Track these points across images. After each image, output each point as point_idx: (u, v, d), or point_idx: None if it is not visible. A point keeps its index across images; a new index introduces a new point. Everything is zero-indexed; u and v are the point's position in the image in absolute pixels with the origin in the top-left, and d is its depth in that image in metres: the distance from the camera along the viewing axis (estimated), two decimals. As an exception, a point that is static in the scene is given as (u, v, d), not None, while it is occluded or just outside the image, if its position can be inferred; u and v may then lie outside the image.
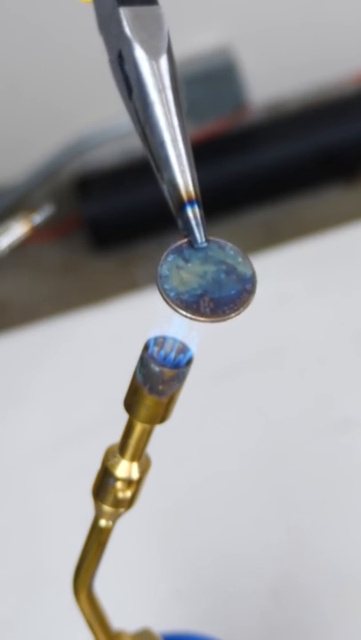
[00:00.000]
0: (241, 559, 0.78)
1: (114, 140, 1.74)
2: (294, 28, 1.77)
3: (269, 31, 1.77)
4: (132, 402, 0.44)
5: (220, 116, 1.76)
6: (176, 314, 0.40)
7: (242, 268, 0.42)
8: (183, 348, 0.42)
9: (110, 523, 0.49)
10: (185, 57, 1.72)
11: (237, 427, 0.85)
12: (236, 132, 1.80)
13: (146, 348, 0.42)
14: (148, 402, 0.43)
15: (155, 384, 0.42)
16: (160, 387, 0.42)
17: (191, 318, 0.40)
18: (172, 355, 0.41)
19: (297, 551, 0.77)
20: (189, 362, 0.42)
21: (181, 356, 0.41)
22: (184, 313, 0.40)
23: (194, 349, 0.42)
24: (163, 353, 0.41)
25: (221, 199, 1.75)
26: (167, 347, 0.41)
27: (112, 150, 1.79)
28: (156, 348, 0.41)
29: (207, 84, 1.74)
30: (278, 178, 1.79)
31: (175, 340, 0.41)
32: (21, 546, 0.82)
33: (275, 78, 1.81)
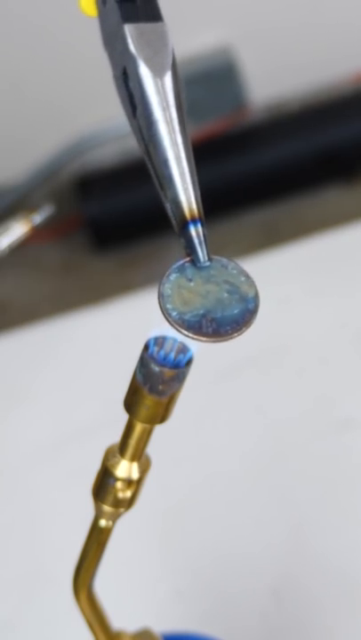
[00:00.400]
0: (241, 559, 0.78)
1: (114, 140, 1.74)
2: (294, 28, 1.78)
3: (269, 31, 1.77)
4: (132, 402, 0.44)
5: (220, 115, 1.76)
6: (178, 333, 0.40)
7: (244, 288, 0.42)
8: (183, 348, 0.42)
9: (110, 523, 0.49)
10: (185, 57, 1.72)
11: (237, 426, 0.85)
12: (236, 131, 1.80)
13: (146, 348, 0.42)
14: (148, 402, 0.43)
15: (155, 384, 0.42)
16: (160, 387, 0.42)
17: (193, 338, 0.40)
18: (172, 355, 0.41)
19: (297, 551, 0.77)
20: (189, 362, 0.42)
21: (181, 356, 0.42)
22: (186, 333, 0.40)
23: (194, 349, 0.42)
24: (163, 353, 0.41)
25: (221, 199, 1.75)
26: (167, 347, 0.42)
27: (112, 150, 1.79)
28: (156, 348, 0.41)
29: (207, 84, 1.74)
30: (278, 178, 1.79)
31: (175, 340, 0.42)
32: (22, 546, 0.82)
33: (275, 78, 1.81)
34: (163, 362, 0.41)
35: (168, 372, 0.41)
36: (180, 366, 0.41)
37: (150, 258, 1.70)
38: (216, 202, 1.71)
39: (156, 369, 0.41)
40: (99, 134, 1.73)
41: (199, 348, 0.42)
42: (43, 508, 0.83)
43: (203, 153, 1.71)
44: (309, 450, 0.83)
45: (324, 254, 0.97)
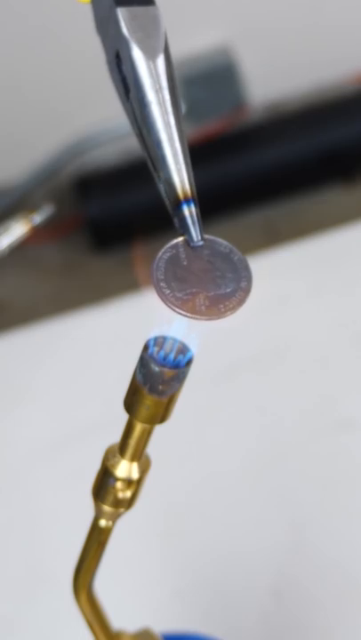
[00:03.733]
0: (241, 559, 0.78)
1: (114, 140, 1.74)
2: (294, 28, 1.77)
3: (269, 31, 1.77)
4: (132, 402, 0.44)
5: (220, 116, 1.76)
6: (171, 311, 0.40)
7: (238, 266, 0.42)
8: (183, 349, 0.42)
9: (110, 523, 0.49)
10: (185, 57, 1.72)
11: (237, 426, 0.85)
12: (236, 132, 1.80)
13: (146, 348, 0.42)
14: (148, 402, 0.43)
15: (155, 384, 0.42)
16: (160, 387, 0.42)
17: (186, 316, 0.40)
18: (172, 355, 0.41)
19: (297, 551, 0.77)
20: (189, 362, 0.42)
21: (181, 356, 0.42)
22: (179, 310, 0.40)
23: (194, 350, 0.42)
24: (163, 353, 0.41)
25: (221, 199, 1.75)
26: (167, 347, 0.42)
27: (112, 150, 1.79)
28: (155, 349, 0.41)
29: (207, 84, 1.74)
30: (278, 178, 1.79)
31: (175, 341, 0.42)
32: (22, 546, 0.82)
33: (274, 78, 1.81)
34: (163, 362, 0.41)
35: (168, 372, 0.41)
36: (180, 366, 0.42)
37: (150, 258, 1.69)
38: (216, 202, 1.71)
39: (156, 369, 0.41)
40: (99, 134, 1.73)
41: (199, 348, 0.42)
42: (43, 508, 0.83)
43: (203, 153, 1.71)
44: (309, 450, 0.83)
45: (324, 254, 0.97)
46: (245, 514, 0.80)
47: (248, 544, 0.78)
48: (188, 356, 0.42)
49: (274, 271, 0.94)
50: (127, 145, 1.77)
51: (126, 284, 0.99)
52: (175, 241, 0.43)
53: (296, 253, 0.98)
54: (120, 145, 1.78)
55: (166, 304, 0.40)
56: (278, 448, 0.83)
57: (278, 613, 0.74)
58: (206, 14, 1.73)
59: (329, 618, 0.74)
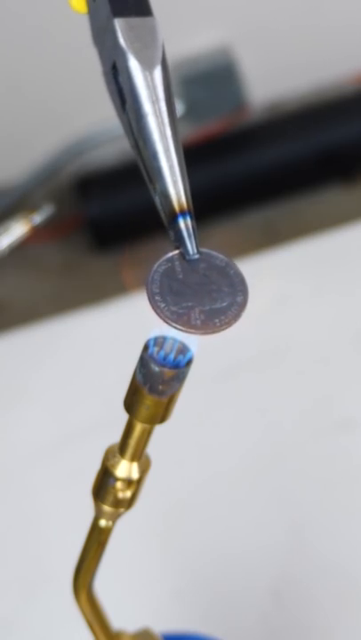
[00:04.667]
0: (241, 559, 0.78)
1: (114, 141, 1.74)
2: (294, 28, 1.77)
3: (269, 31, 1.77)
4: (132, 402, 0.44)
5: (219, 115, 1.76)
6: (166, 325, 0.40)
7: (233, 280, 0.42)
8: (183, 349, 0.42)
9: (110, 523, 0.49)
10: (185, 57, 1.72)
11: (237, 427, 0.85)
12: (236, 132, 1.80)
13: (146, 348, 0.42)
14: (148, 402, 0.43)
15: (155, 384, 0.42)
16: (160, 387, 0.42)
17: (181, 330, 0.40)
18: (172, 355, 0.41)
19: (297, 551, 0.77)
20: (189, 362, 0.42)
21: (181, 356, 0.41)
22: (174, 325, 0.40)
23: (194, 350, 0.42)
24: (163, 353, 0.41)
25: (221, 199, 1.75)
26: (167, 347, 0.41)
27: (112, 150, 1.79)
28: (155, 349, 0.41)
29: (207, 84, 1.74)
30: (278, 178, 1.79)
31: (175, 341, 0.42)
32: (21, 546, 0.82)
33: (274, 78, 1.81)
34: (163, 362, 0.41)
35: (168, 372, 0.41)
36: (179, 366, 0.41)
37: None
38: (216, 202, 1.71)
39: (156, 369, 0.41)
40: (98, 134, 1.73)
41: (199, 348, 0.42)
42: (43, 508, 0.83)
43: (202, 153, 1.71)
44: (309, 450, 0.83)
45: (323, 254, 0.97)
46: (245, 514, 0.80)
47: (248, 544, 0.78)
48: (188, 356, 0.42)
49: (273, 271, 0.94)
50: (127, 145, 1.76)
51: (125, 284, 0.99)
52: (171, 254, 0.43)
53: (296, 253, 0.98)
54: (120, 145, 1.78)
55: (161, 318, 0.40)
56: (278, 448, 0.83)
57: (278, 613, 0.74)
58: (206, 14, 1.73)
59: (329, 618, 0.74)
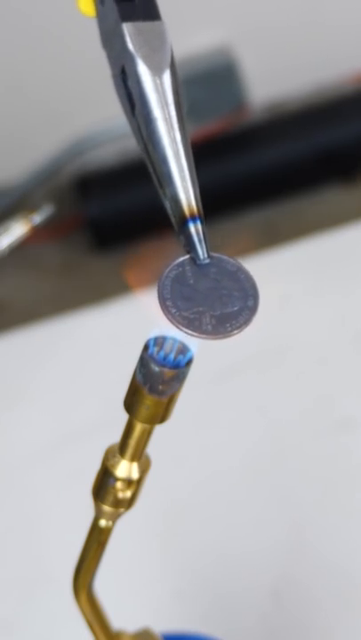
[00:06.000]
0: (241, 559, 0.78)
1: (114, 140, 1.74)
2: (294, 28, 1.77)
3: (269, 31, 1.77)
4: (132, 402, 0.44)
5: (220, 115, 1.76)
6: (178, 330, 0.40)
7: (244, 285, 0.42)
8: (183, 349, 0.42)
9: (110, 523, 0.49)
10: (185, 57, 1.72)
11: (237, 427, 0.85)
12: (236, 132, 1.80)
13: (146, 348, 0.42)
14: (148, 402, 0.43)
15: (155, 384, 0.42)
16: (160, 387, 0.42)
17: (193, 335, 0.40)
18: (172, 355, 0.41)
19: (297, 551, 0.77)
20: (189, 362, 0.42)
21: (181, 356, 0.41)
22: (185, 330, 0.40)
23: (194, 350, 0.42)
24: (163, 353, 0.41)
25: (221, 199, 1.75)
26: (167, 347, 0.41)
27: (112, 150, 1.78)
28: (155, 349, 0.41)
29: (207, 84, 1.74)
30: (278, 178, 1.79)
31: (175, 341, 0.41)
32: (21, 546, 0.82)
33: (275, 78, 1.81)
34: (163, 362, 0.41)
35: (168, 372, 0.41)
36: (180, 366, 0.41)
37: (151, 258, 1.69)
38: (216, 202, 1.71)
39: (156, 369, 0.41)
40: (98, 134, 1.73)
41: (199, 348, 0.42)
42: (43, 509, 0.83)
43: (202, 153, 1.71)
44: (309, 450, 0.83)
45: (324, 254, 0.97)
46: (245, 513, 0.80)
47: (248, 544, 0.78)
48: (188, 356, 0.42)
49: (274, 271, 0.94)
50: (127, 145, 1.77)
51: (126, 284, 0.99)
52: (181, 259, 0.43)
53: (296, 253, 0.98)
54: (120, 145, 1.78)
55: (173, 323, 0.40)
56: (278, 448, 0.83)
57: (278, 613, 0.74)
58: (206, 14, 1.73)
59: (329, 618, 0.74)
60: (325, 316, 0.92)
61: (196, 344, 0.42)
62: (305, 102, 1.84)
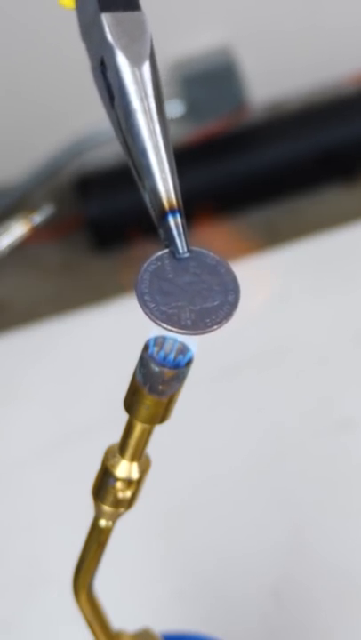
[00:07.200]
0: (241, 560, 0.78)
1: (114, 140, 1.73)
2: (294, 28, 1.77)
3: (269, 31, 1.77)
4: (132, 402, 0.44)
5: (220, 115, 1.76)
6: (156, 325, 0.40)
7: (224, 279, 0.42)
8: (183, 349, 0.41)
9: (110, 523, 0.49)
10: (185, 57, 1.72)
11: (237, 427, 0.85)
12: (236, 132, 1.80)
13: (146, 348, 0.41)
14: (148, 402, 0.43)
15: (155, 384, 0.42)
16: (160, 387, 0.42)
17: (172, 330, 0.40)
18: (172, 355, 0.41)
19: (297, 552, 0.77)
20: (189, 362, 0.42)
21: (181, 356, 0.41)
22: (164, 325, 0.40)
23: (194, 349, 0.42)
24: (163, 353, 0.41)
25: (221, 199, 1.75)
26: (167, 347, 0.41)
27: (112, 150, 1.78)
28: (155, 349, 0.41)
29: (207, 84, 1.74)
30: (278, 178, 1.79)
31: (175, 341, 0.41)
32: (21, 546, 0.82)
33: (275, 78, 1.81)
34: (163, 362, 0.41)
35: (168, 372, 0.41)
36: (180, 366, 0.41)
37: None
38: (216, 202, 1.71)
39: (156, 369, 0.41)
40: (98, 134, 1.73)
41: (199, 348, 0.42)
42: (43, 508, 0.83)
43: (202, 153, 1.71)
44: (310, 450, 0.83)
45: (324, 254, 0.97)
46: (246, 514, 0.80)
47: (248, 545, 0.78)
48: (188, 356, 0.41)
49: (274, 271, 0.94)
50: (127, 145, 1.76)
51: (124, 285, 0.99)
52: (160, 253, 0.42)
53: (296, 253, 0.98)
54: (120, 145, 1.77)
55: (150, 318, 0.40)
56: (279, 448, 0.83)
57: (279, 614, 0.74)
58: (206, 14, 1.73)
59: (329, 619, 0.74)
60: (325, 316, 0.92)
61: (196, 344, 0.41)
62: (305, 102, 1.84)
